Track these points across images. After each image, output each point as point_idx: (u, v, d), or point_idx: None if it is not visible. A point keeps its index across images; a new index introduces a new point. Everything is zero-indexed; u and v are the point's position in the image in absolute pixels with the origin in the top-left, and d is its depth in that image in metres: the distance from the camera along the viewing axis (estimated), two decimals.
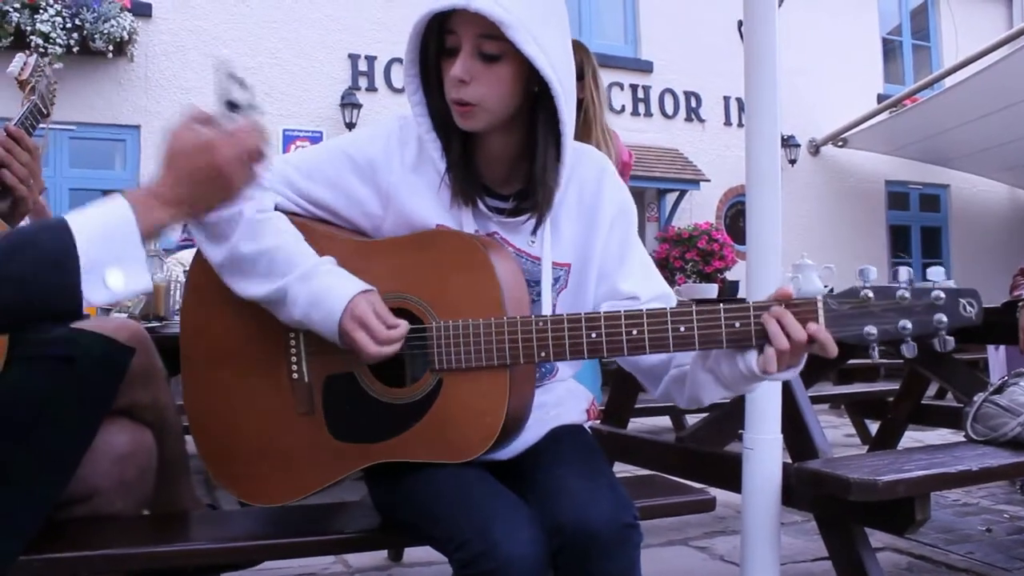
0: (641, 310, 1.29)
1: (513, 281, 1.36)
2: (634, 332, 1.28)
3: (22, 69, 1.62)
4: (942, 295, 1.23)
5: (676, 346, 1.28)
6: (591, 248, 1.50)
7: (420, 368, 1.37)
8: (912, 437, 4.90)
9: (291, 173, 1.47)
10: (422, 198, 1.46)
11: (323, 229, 1.47)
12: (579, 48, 3.01)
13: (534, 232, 1.46)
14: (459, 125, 1.40)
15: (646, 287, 1.51)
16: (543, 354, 1.31)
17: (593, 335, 1.30)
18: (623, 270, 1.51)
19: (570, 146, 1.40)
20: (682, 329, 1.27)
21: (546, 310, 1.44)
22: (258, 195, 1.42)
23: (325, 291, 1.33)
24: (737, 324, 1.26)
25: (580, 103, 2.94)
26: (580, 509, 1.25)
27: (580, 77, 2.94)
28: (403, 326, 1.33)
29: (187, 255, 3.88)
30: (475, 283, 1.33)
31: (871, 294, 1.24)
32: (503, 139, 1.43)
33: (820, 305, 1.24)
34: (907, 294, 1.23)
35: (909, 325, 1.23)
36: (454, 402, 1.34)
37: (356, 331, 1.31)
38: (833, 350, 1.23)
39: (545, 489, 1.32)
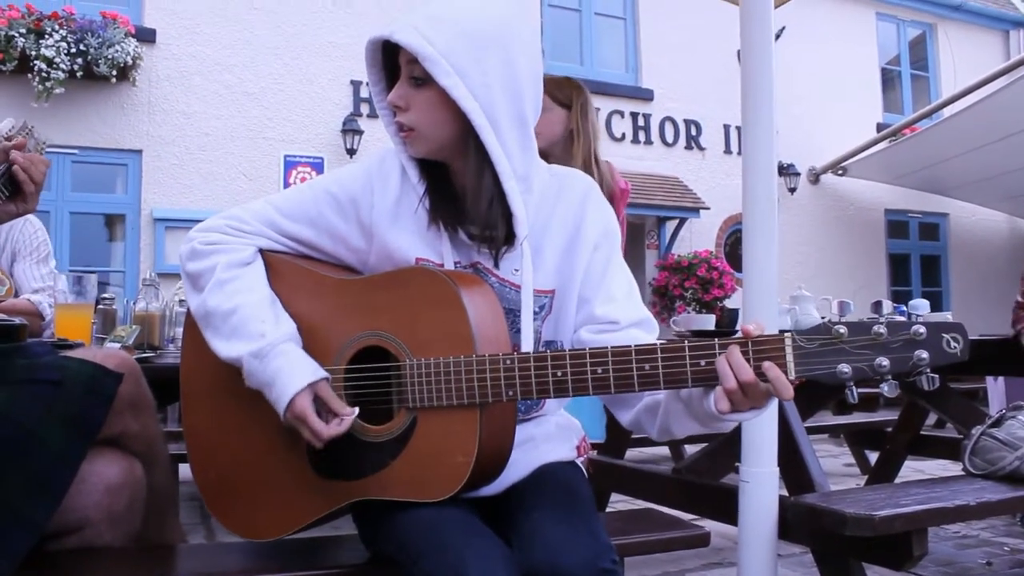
0: (606, 348, 1.26)
1: (487, 316, 1.35)
2: (599, 371, 1.25)
3: (11, 130, 1.64)
4: (922, 330, 1.14)
5: (641, 385, 1.24)
6: (573, 272, 1.49)
7: (396, 406, 1.37)
8: (911, 467, 4.87)
9: (273, 215, 1.50)
10: (404, 230, 1.46)
11: (303, 269, 1.49)
12: (569, 84, 3.12)
13: (496, 264, 1.46)
14: (407, 151, 1.44)
15: (626, 312, 1.47)
16: (511, 392, 1.29)
17: (559, 373, 1.27)
18: (603, 294, 1.48)
19: (508, 177, 1.39)
20: (647, 368, 1.23)
21: (527, 339, 1.43)
22: (237, 244, 1.46)
23: (272, 379, 1.36)
24: (703, 363, 1.21)
25: (570, 133, 3.05)
26: (555, 554, 1.23)
27: (568, 107, 3.03)
28: (347, 420, 1.35)
29: None
30: (446, 320, 1.32)
31: (844, 330, 1.16)
32: (463, 168, 1.44)
33: (788, 342, 1.18)
34: (883, 329, 1.15)
35: (886, 363, 1.14)
36: (427, 441, 1.33)
37: (298, 427, 1.35)
38: (786, 391, 1.17)
39: (524, 532, 1.30)
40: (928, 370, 1.14)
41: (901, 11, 12.01)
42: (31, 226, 2.77)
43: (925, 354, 1.14)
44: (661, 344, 1.24)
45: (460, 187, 1.46)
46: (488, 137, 1.36)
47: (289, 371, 1.35)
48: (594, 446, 3.05)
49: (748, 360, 1.18)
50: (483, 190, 1.39)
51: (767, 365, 1.17)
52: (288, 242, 1.50)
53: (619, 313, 1.46)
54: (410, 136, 1.42)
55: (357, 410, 1.36)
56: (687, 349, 1.22)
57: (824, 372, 1.17)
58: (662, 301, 9.42)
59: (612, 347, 1.26)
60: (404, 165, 1.47)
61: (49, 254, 2.81)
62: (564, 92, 3.07)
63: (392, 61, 1.44)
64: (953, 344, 1.14)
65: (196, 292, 1.46)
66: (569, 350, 1.29)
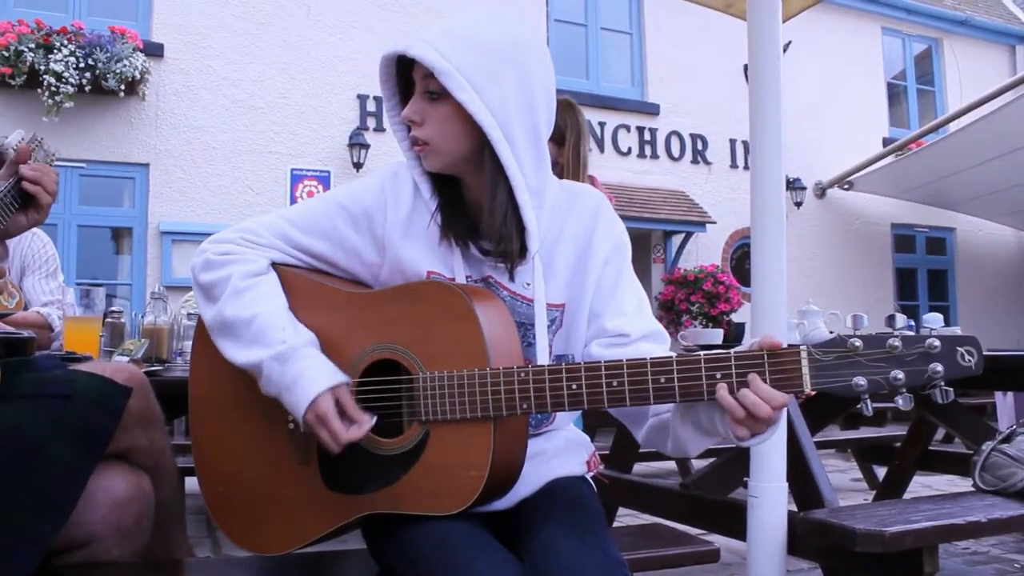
0: (621, 361, 1.26)
1: (501, 330, 1.35)
2: (614, 383, 1.25)
3: (20, 141, 1.64)
4: (937, 343, 1.14)
5: (657, 398, 1.24)
6: (584, 285, 1.49)
7: (408, 419, 1.37)
8: (920, 482, 4.85)
9: (287, 228, 1.50)
10: (415, 244, 1.47)
11: (316, 282, 1.49)
12: (565, 109, 3.05)
13: (512, 278, 1.45)
14: (420, 166, 1.45)
15: (636, 325, 1.47)
16: (525, 406, 1.28)
17: (573, 386, 1.26)
18: (614, 308, 1.48)
19: (523, 192, 1.38)
20: (662, 380, 1.23)
21: (541, 353, 1.43)
22: (250, 255, 1.46)
23: (294, 380, 1.35)
24: (718, 375, 1.21)
25: (556, 165, 3.02)
26: (566, 571, 1.23)
27: (560, 143, 3.01)
28: (366, 425, 1.34)
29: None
30: (460, 333, 1.32)
31: (859, 343, 1.16)
32: (477, 182, 1.44)
33: (804, 355, 1.18)
34: (898, 342, 1.15)
35: (901, 375, 1.14)
36: (440, 454, 1.33)
37: (318, 427, 1.33)
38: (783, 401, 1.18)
39: (534, 547, 1.30)
40: (943, 383, 1.14)
41: (907, 26, 12.04)
42: (39, 240, 2.78)
43: (940, 367, 1.14)
44: (677, 357, 1.24)
45: (472, 201, 1.46)
46: (503, 151, 1.36)
47: (312, 373, 1.35)
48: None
49: (766, 379, 1.18)
50: (497, 204, 1.39)
51: (751, 377, 1.18)
52: (301, 255, 1.50)
53: (630, 327, 1.46)
54: (425, 150, 1.42)
55: (375, 418, 1.35)
56: (703, 362, 1.22)
57: (840, 385, 1.17)
58: (668, 315, 9.41)
59: (627, 360, 1.26)
60: (416, 180, 1.47)
61: (57, 268, 2.82)
62: (557, 126, 3.04)
63: (406, 77, 1.45)
64: (968, 357, 1.14)
65: (211, 303, 1.46)
66: (584, 363, 1.28)
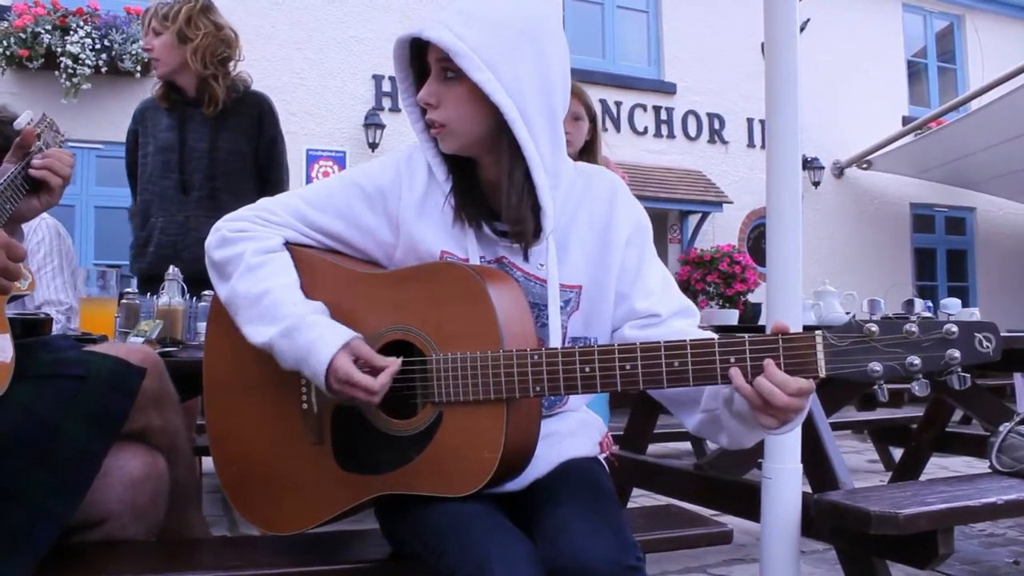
0: (635, 344, 1.25)
1: (514, 311, 1.34)
2: (627, 367, 1.24)
3: (29, 123, 1.63)
4: (955, 329, 1.13)
5: (670, 382, 1.23)
6: (607, 268, 1.48)
7: (422, 400, 1.37)
8: (936, 464, 4.83)
9: (302, 207, 1.50)
10: (429, 224, 1.47)
11: (329, 262, 1.49)
12: (582, 94, 3.21)
13: (526, 258, 1.45)
14: (435, 148, 1.45)
15: (666, 304, 1.48)
16: (538, 388, 1.28)
17: (587, 369, 1.26)
18: (641, 288, 1.49)
19: (539, 172, 1.38)
20: (676, 364, 1.22)
21: (554, 334, 1.43)
22: (264, 233, 1.46)
23: (306, 351, 1.34)
24: (732, 359, 1.20)
25: (590, 144, 3.20)
26: (579, 552, 1.23)
27: (593, 119, 3.17)
28: (392, 365, 1.33)
29: None
30: (473, 315, 1.32)
31: (875, 328, 1.15)
32: (493, 163, 1.43)
33: (819, 340, 1.17)
34: (915, 328, 1.14)
35: (918, 361, 1.13)
36: (453, 436, 1.33)
37: (348, 390, 1.33)
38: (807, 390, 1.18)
39: (547, 528, 1.30)
40: (959, 369, 1.13)
41: (928, 2, 11.87)
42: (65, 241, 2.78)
43: (957, 353, 1.13)
44: (691, 341, 1.23)
45: (488, 182, 1.46)
46: (520, 131, 1.36)
47: (322, 338, 1.34)
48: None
49: (780, 364, 1.18)
50: (514, 185, 1.39)
51: (766, 363, 1.17)
52: (316, 235, 1.51)
53: (659, 306, 1.47)
54: (441, 132, 1.42)
55: (400, 360, 1.35)
56: (717, 347, 1.21)
57: (855, 370, 1.16)
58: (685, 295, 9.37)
59: (641, 343, 1.25)
60: (430, 163, 1.47)
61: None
62: (589, 103, 3.23)
63: (421, 59, 1.44)
64: (985, 343, 1.13)
65: (224, 280, 1.46)
66: (597, 346, 1.28)
